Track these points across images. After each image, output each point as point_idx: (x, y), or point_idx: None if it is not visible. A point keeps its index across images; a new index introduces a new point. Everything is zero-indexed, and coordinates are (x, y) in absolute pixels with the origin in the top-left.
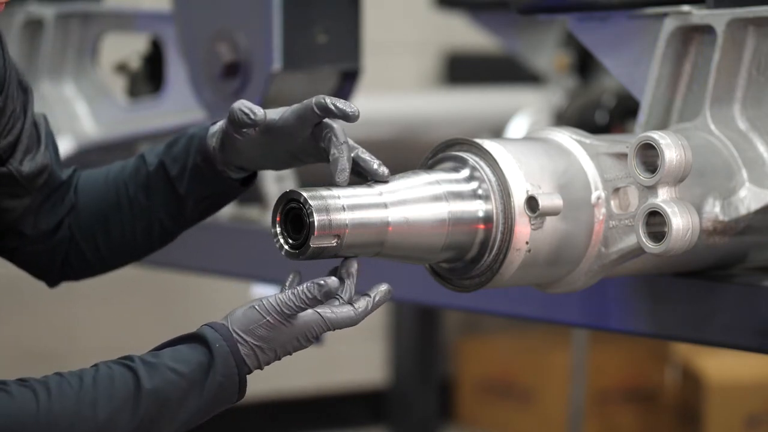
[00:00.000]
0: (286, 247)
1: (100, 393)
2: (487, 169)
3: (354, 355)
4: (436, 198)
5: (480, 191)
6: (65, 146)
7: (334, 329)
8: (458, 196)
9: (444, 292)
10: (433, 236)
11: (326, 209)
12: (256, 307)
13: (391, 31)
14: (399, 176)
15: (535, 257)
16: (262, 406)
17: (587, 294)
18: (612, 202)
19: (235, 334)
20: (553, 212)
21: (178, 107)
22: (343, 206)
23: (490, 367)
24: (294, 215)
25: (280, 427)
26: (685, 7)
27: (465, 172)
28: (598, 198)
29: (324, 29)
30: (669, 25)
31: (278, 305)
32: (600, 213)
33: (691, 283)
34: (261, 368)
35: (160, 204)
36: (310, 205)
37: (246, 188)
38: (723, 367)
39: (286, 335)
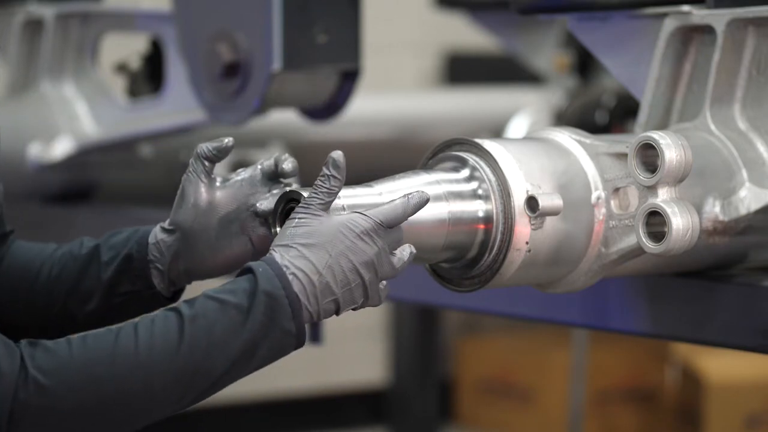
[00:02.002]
0: None
1: (140, 330)
2: (487, 169)
3: (354, 355)
4: (436, 198)
5: (480, 191)
6: (65, 146)
7: (376, 220)
8: (458, 196)
9: (444, 292)
10: (433, 236)
11: None
12: (289, 218)
13: (391, 31)
14: (399, 176)
15: (535, 257)
16: (262, 406)
17: (587, 294)
18: (612, 202)
19: (276, 248)
20: (553, 212)
21: (178, 107)
22: (342, 206)
23: (490, 367)
24: None
25: (280, 427)
26: (685, 7)
27: (465, 172)
28: (598, 198)
29: (324, 29)
30: (669, 25)
31: (305, 203)
32: (600, 213)
33: (691, 283)
34: (321, 273)
35: (74, 285)
36: None
37: (162, 302)
38: (723, 367)
39: (327, 226)
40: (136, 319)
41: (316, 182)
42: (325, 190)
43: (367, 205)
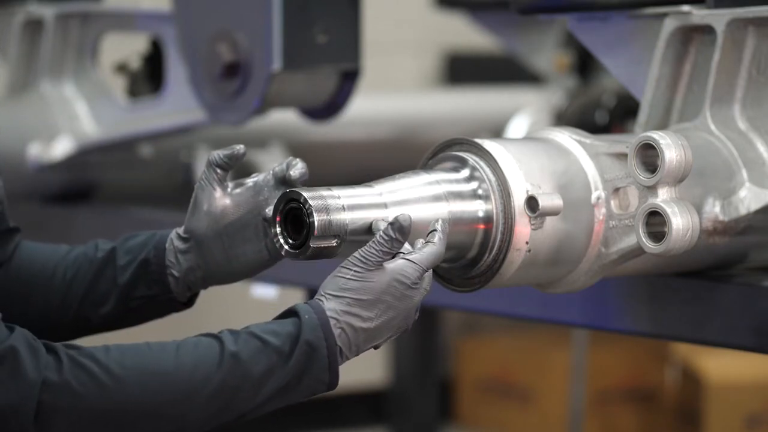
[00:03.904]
0: (286, 247)
1: (182, 352)
2: (487, 169)
3: None
4: (436, 198)
5: (480, 191)
6: (65, 146)
7: (424, 268)
8: (458, 196)
9: (444, 292)
10: None
11: (326, 209)
12: (342, 266)
13: (391, 31)
14: (399, 176)
15: (535, 257)
16: None
17: (587, 294)
18: (612, 202)
19: (327, 295)
20: (553, 212)
21: (178, 107)
22: (343, 206)
23: (490, 367)
24: (294, 215)
25: (280, 427)
26: (685, 7)
27: (465, 172)
28: (598, 198)
29: (324, 29)
30: (669, 25)
31: (362, 256)
32: (600, 213)
33: (691, 283)
34: (369, 327)
35: (89, 288)
36: (310, 205)
37: (178, 307)
38: (723, 367)
39: (380, 282)
40: (181, 342)
41: (377, 238)
42: (386, 250)
43: (367, 204)
